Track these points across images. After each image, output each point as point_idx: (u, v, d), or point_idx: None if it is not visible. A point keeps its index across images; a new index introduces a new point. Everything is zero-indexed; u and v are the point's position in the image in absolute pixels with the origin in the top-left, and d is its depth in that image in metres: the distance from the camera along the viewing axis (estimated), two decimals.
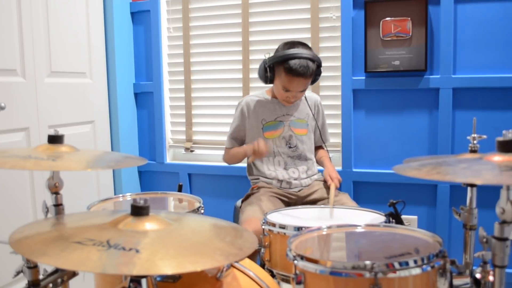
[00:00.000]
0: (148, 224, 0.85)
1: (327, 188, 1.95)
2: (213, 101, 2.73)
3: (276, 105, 2.02)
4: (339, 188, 2.00)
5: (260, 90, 2.11)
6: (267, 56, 1.90)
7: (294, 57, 1.82)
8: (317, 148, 2.16)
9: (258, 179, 2.05)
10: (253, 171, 2.08)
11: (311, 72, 1.85)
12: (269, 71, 1.88)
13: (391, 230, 1.20)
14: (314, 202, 1.94)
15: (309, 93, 2.11)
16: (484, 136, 1.37)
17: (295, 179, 2.00)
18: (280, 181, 1.99)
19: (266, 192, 1.94)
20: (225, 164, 2.67)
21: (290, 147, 2.01)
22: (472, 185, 1.32)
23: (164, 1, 2.75)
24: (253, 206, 1.83)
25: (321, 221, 1.49)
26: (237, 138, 2.09)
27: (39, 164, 0.98)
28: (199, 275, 1.04)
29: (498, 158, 0.90)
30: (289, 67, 1.82)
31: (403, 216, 1.43)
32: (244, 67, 2.61)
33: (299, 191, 2.00)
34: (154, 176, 2.84)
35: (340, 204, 1.79)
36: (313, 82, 1.95)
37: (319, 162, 2.13)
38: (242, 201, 2.03)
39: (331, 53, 2.44)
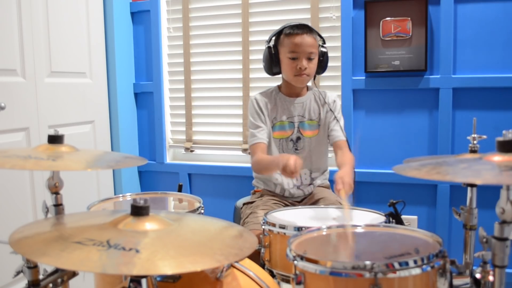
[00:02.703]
0: (148, 224, 0.85)
1: (329, 196, 1.88)
2: (213, 101, 2.73)
3: (289, 104, 1.94)
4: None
5: (273, 87, 1.99)
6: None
7: (293, 23, 1.86)
8: (338, 145, 1.90)
9: (261, 183, 2.02)
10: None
11: (314, 34, 1.86)
12: (273, 50, 1.87)
13: (391, 230, 1.20)
14: None
15: (324, 91, 1.99)
16: (484, 136, 1.37)
17: (298, 187, 1.94)
18: (284, 189, 1.94)
19: (268, 200, 1.91)
20: (225, 164, 2.68)
21: (296, 149, 1.95)
22: (472, 185, 1.32)
23: (164, 1, 2.75)
24: (255, 217, 1.80)
25: (321, 221, 1.48)
26: (264, 130, 1.89)
27: (39, 164, 0.98)
28: (199, 275, 1.04)
29: (498, 158, 0.89)
30: (290, 29, 1.84)
31: (403, 216, 1.43)
32: (244, 67, 2.61)
33: (301, 201, 1.95)
34: (154, 176, 2.85)
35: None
36: (321, 65, 1.89)
37: (338, 165, 1.82)
38: (244, 204, 2.00)
39: (331, 53, 2.42)
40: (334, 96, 1.99)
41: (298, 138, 1.94)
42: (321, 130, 1.96)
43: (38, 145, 1.12)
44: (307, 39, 1.83)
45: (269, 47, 1.89)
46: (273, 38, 1.90)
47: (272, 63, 1.89)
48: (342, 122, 1.97)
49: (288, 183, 1.94)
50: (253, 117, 1.92)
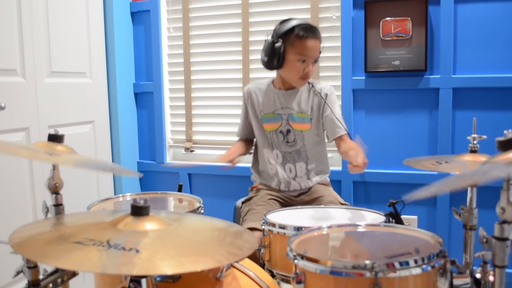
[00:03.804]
0: (148, 224, 0.85)
1: (328, 194, 1.91)
2: (213, 101, 2.73)
3: (277, 96, 1.94)
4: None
5: (267, 79, 2.01)
6: (268, 37, 1.83)
7: (301, 23, 1.81)
8: (339, 140, 1.89)
9: (258, 177, 2.03)
10: (259, 165, 2.03)
11: (320, 36, 1.83)
12: (282, 46, 1.78)
13: (391, 230, 1.20)
14: None
15: (317, 83, 1.97)
16: (484, 137, 1.37)
17: (293, 178, 1.95)
18: (280, 181, 1.97)
19: (265, 195, 1.91)
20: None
21: (287, 142, 1.95)
22: (472, 185, 1.32)
23: (164, 1, 2.75)
24: (253, 214, 1.81)
25: (321, 221, 1.48)
26: (245, 127, 2.05)
27: (35, 155, 0.98)
28: (199, 275, 1.03)
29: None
30: (301, 31, 1.78)
31: (403, 216, 1.43)
32: (244, 67, 2.61)
33: (298, 196, 1.95)
34: (154, 176, 2.84)
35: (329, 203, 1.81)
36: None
37: (344, 154, 1.87)
38: (243, 202, 2.01)
39: (331, 53, 2.44)
40: (327, 88, 1.92)
41: (288, 131, 1.93)
42: (314, 124, 1.93)
43: (38, 142, 1.12)
44: (317, 44, 1.81)
45: (275, 42, 1.79)
46: (281, 34, 1.79)
47: (277, 60, 1.81)
48: (339, 113, 1.91)
49: (282, 174, 1.95)
50: (242, 109, 2.05)
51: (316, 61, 1.84)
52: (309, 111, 1.92)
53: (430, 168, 1.34)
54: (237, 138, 2.11)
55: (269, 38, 1.83)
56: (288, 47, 1.80)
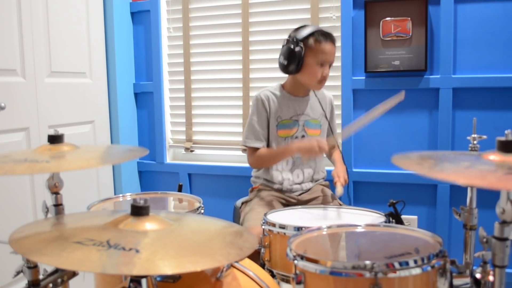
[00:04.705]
0: (148, 224, 0.85)
1: (328, 195, 1.95)
2: (213, 101, 2.73)
3: (294, 102, 1.95)
4: (344, 188, 1.96)
5: (276, 84, 2.00)
6: (285, 44, 1.86)
7: (319, 29, 1.89)
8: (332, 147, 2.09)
9: (260, 178, 2.02)
10: (264, 171, 1.99)
11: (335, 42, 1.92)
12: (303, 51, 1.83)
13: (391, 230, 1.20)
14: None
15: (321, 91, 2.04)
16: (484, 137, 1.37)
17: (297, 183, 1.96)
18: (283, 185, 1.95)
19: (266, 196, 1.91)
20: (225, 164, 2.68)
21: None
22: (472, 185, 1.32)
23: (164, 1, 2.75)
24: (254, 213, 1.81)
25: (321, 221, 1.49)
26: (264, 135, 1.93)
27: (32, 167, 0.97)
28: (199, 275, 1.04)
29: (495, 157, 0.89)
30: (321, 36, 1.85)
31: (403, 216, 1.43)
32: (244, 67, 2.61)
33: (299, 195, 1.96)
34: (154, 176, 2.85)
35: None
36: None
37: (332, 162, 2.08)
38: (243, 203, 2.01)
39: None
40: (330, 96, 2.09)
41: (303, 137, 1.95)
42: (322, 129, 2.01)
43: (39, 146, 1.12)
44: (334, 49, 1.90)
45: (295, 47, 1.83)
46: (301, 39, 1.84)
47: (296, 64, 1.84)
48: (335, 125, 2.14)
49: (288, 179, 1.95)
50: (255, 117, 1.93)
51: (330, 66, 1.91)
52: (319, 117, 2.00)
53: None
54: (252, 147, 1.94)
55: (286, 43, 1.87)
56: (307, 51, 1.85)
